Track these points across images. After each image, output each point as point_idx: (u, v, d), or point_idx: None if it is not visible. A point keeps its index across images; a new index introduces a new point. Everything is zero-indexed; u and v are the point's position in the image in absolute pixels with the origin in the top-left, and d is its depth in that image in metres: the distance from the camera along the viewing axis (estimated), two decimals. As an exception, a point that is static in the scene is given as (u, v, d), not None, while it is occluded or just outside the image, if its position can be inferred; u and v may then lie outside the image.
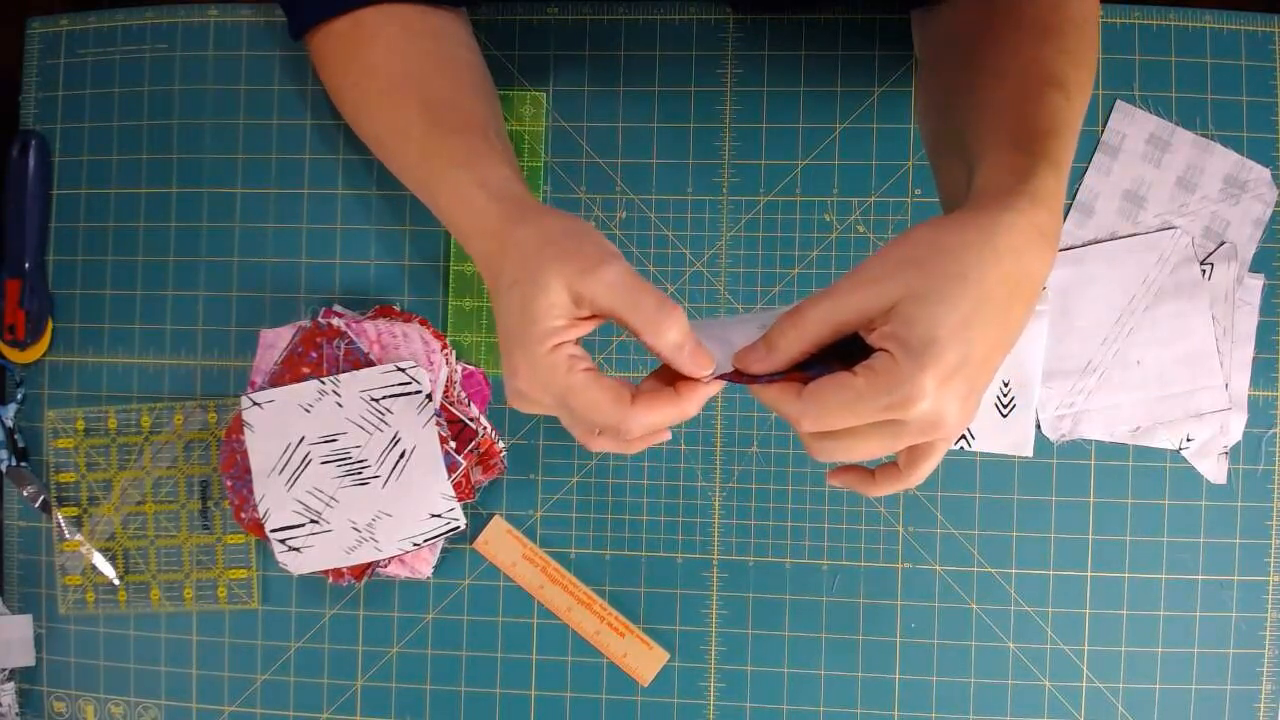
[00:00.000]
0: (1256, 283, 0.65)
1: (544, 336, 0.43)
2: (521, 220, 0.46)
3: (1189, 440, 0.65)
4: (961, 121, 0.48)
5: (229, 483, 0.65)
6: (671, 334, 0.42)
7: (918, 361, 0.38)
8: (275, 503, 0.64)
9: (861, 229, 0.66)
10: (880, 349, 0.39)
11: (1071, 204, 0.66)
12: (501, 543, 0.67)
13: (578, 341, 0.44)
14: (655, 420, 0.43)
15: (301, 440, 0.63)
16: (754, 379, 0.43)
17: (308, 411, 0.63)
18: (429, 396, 0.62)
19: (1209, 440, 0.65)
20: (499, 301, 0.45)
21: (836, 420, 0.40)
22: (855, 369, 0.39)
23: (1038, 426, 0.65)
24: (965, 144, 0.47)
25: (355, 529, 0.63)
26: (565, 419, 0.45)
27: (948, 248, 0.39)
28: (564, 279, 0.42)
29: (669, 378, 0.44)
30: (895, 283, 0.39)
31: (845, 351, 0.41)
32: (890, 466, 0.45)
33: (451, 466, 0.63)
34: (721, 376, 0.43)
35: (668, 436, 0.47)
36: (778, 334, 0.41)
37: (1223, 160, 0.65)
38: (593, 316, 0.43)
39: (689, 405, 0.44)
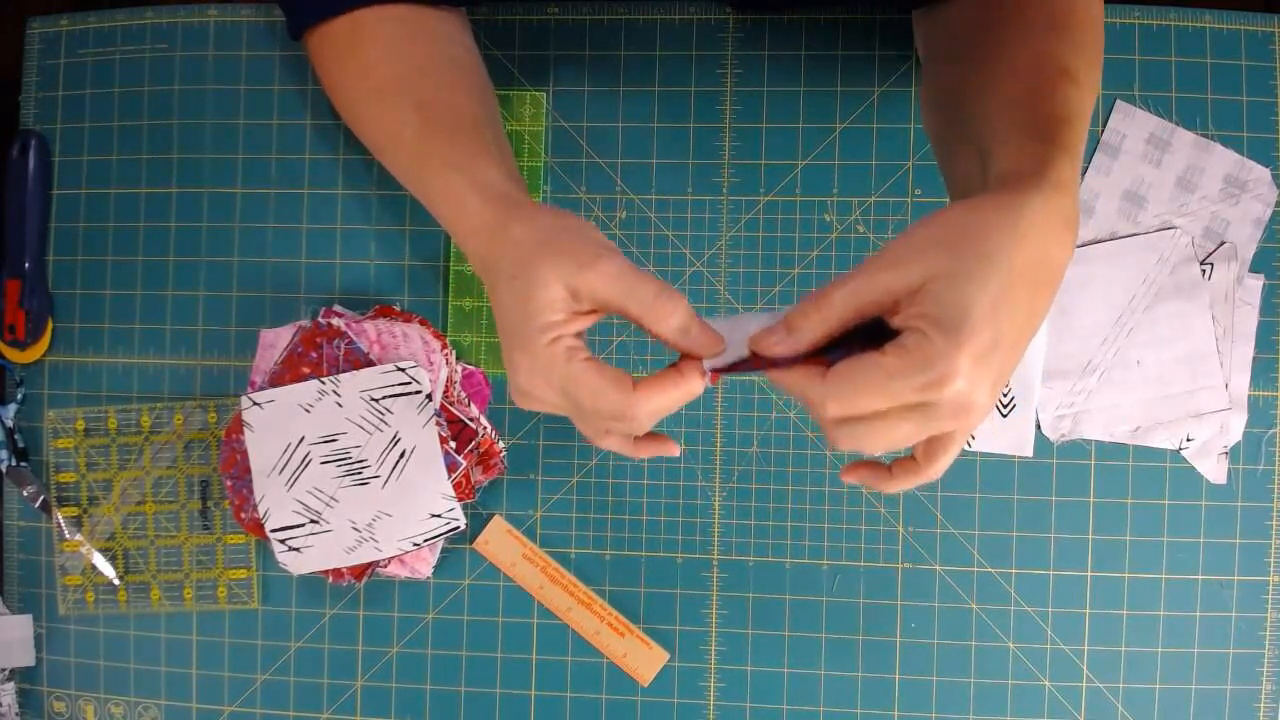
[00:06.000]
0: (1256, 283, 0.65)
1: (542, 330, 0.43)
2: (516, 220, 0.46)
3: (1189, 440, 0.65)
4: (972, 115, 0.48)
5: (229, 483, 0.65)
6: (675, 319, 0.42)
7: (953, 339, 0.37)
8: (275, 503, 0.64)
9: (861, 229, 0.66)
10: (909, 328, 0.38)
11: (1071, 204, 0.66)
12: (501, 543, 0.67)
13: (578, 334, 0.44)
14: (661, 403, 0.43)
15: (301, 440, 0.63)
16: (773, 364, 0.41)
17: (308, 411, 0.63)
18: (429, 396, 0.62)
19: (1209, 440, 0.65)
20: (496, 298, 0.45)
21: (866, 402, 0.38)
22: (884, 348, 0.38)
23: (1038, 426, 0.65)
24: (977, 134, 0.47)
25: (355, 529, 0.63)
26: (572, 413, 0.45)
27: (975, 229, 0.38)
28: (560, 275, 0.42)
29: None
30: (924, 263, 0.38)
31: (863, 338, 0.40)
32: (907, 460, 0.44)
33: (451, 466, 0.63)
34: (737, 364, 0.43)
35: (677, 450, 0.47)
36: (799, 315, 0.40)
37: (1222, 160, 0.65)
38: (592, 311, 0.44)
39: (695, 382, 0.43)
